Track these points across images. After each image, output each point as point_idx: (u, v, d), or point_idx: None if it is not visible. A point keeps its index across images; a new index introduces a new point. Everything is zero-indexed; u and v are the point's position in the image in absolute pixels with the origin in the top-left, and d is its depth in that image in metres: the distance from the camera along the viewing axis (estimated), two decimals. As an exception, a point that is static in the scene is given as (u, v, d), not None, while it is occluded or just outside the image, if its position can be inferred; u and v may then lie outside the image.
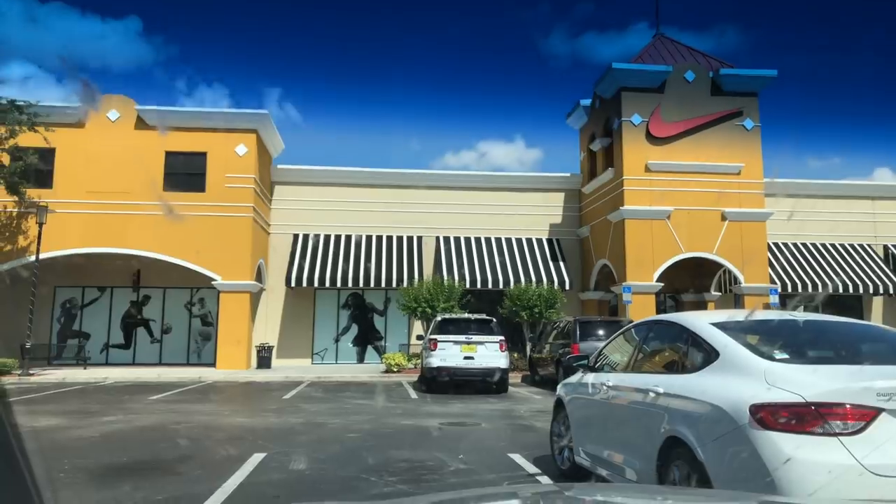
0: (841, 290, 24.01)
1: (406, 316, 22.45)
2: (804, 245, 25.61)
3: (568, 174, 26.87)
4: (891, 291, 24.66)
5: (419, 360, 18.24)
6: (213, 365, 22.13)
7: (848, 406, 3.35)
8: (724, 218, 21.96)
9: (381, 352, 24.50)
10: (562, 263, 24.62)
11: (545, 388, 16.41)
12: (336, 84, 67.03)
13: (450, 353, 15.36)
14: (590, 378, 5.96)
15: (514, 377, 18.53)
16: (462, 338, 15.58)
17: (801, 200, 24.85)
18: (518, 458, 7.46)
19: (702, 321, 4.69)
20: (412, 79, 70.37)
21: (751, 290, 21.82)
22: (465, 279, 22.89)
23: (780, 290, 22.70)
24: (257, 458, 7.35)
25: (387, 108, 69.67)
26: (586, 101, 25.39)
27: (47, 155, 21.41)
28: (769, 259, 23.11)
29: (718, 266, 22.91)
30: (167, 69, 71.18)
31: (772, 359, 3.99)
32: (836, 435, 3.31)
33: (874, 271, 24.98)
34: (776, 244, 24.61)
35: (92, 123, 22.07)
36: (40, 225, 19.75)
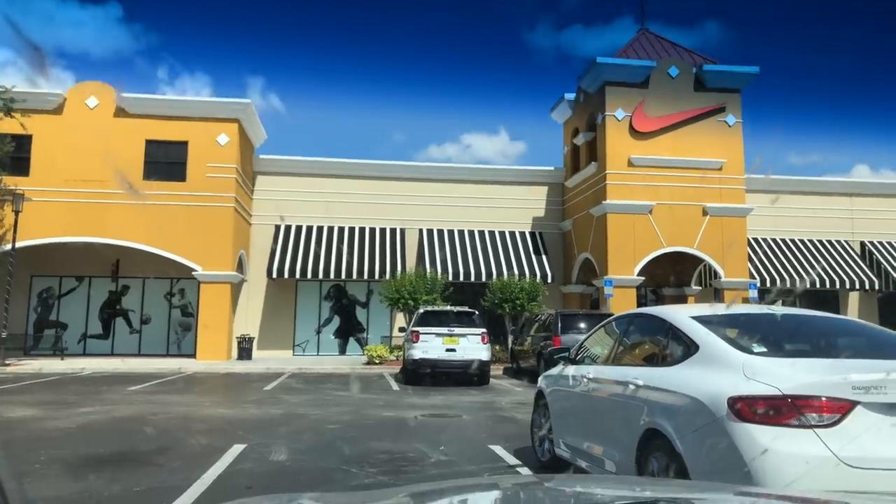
0: (818, 285, 24.36)
1: (388, 308, 22.42)
2: (783, 240, 25.92)
3: (551, 168, 26.93)
4: (867, 287, 25.06)
5: (401, 352, 18.25)
6: (193, 356, 21.95)
7: (824, 399, 3.39)
8: (705, 213, 22.15)
9: (362, 344, 24.44)
10: (544, 257, 24.71)
11: (526, 381, 16.49)
12: (320, 75, 66.61)
13: (432, 346, 15.38)
14: (570, 370, 5.98)
15: (496, 369, 18.59)
16: (444, 330, 15.60)
17: (780, 196, 25.11)
18: (499, 449, 7.49)
19: (682, 314, 4.73)
20: (396, 70, 70.07)
21: (731, 285, 22.06)
22: (447, 271, 22.92)
23: (759, 284, 22.98)
24: (237, 449, 7.31)
25: (371, 99, 69.37)
26: (570, 95, 25.44)
27: (24, 142, 21.05)
28: (749, 254, 23.37)
29: (699, 260, 23.12)
30: (148, 57, 70.23)
31: (750, 352, 4.03)
32: (811, 427, 3.35)
33: (851, 267, 25.37)
34: (756, 239, 24.89)
35: (70, 110, 21.73)
36: (16, 213, 19.43)
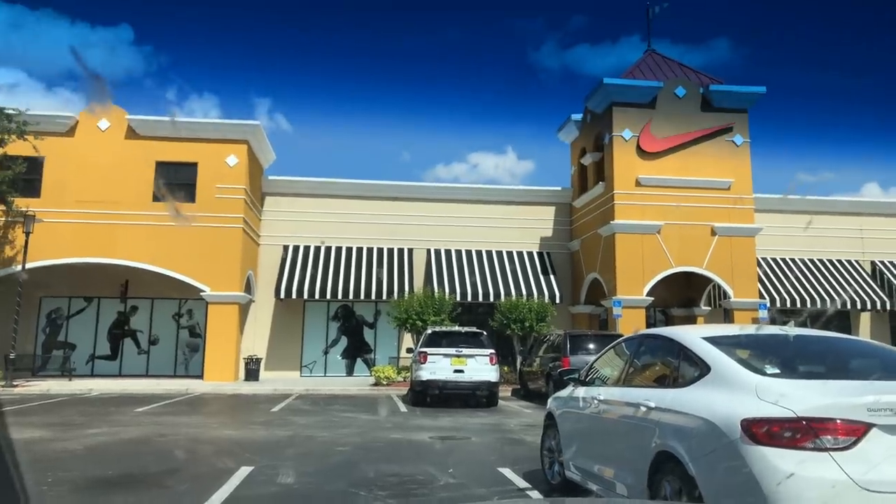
0: (829, 306, 24.16)
1: (396, 328, 22.37)
2: (792, 260, 25.79)
3: (559, 188, 26.97)
4: (878, 307, 24.85)
5: (409, 374, 18.15)
6: (200, 377, 21.93)
7: (839, 421, 3.34)
8: (713, 233, 22.08)
9: (370, 364, 24.36)
10: (552, 277, 24.65)
11: (535, 402, 16.36)
12: (327, 95, 67.21)
13: (440, 366, 15.28)
14: (580, 392, 5.94)
15: (504, 391, 18.47)
16: (452, 351, 15.50)
17: (789, 216, 25.02)
18: (508, 472, 7.42)
19: (693, 335, 4.69)
20: (403, 90, 70.66)
21: (740, 305, 21.93)
22: (455, 292, 22.87)
23: (769, 304, 22.82)
24: (245, 471, 7.26)
25: (378, 119, 69.90)
26: (577, 116, 25.55)
27: (36, 163, 21.27)
28: (758, 274, 23.24)
29: (708, 280, 23.01)
30: (157, 78, 71.14)
31: (763, 373, 3.98)
32: (827, 450, 3.30)
33: (862, 287, 25.18)
34: (765, 259, 24.77)
35: (81, 132, 21.98)
36: (27, 234, 19.58)
